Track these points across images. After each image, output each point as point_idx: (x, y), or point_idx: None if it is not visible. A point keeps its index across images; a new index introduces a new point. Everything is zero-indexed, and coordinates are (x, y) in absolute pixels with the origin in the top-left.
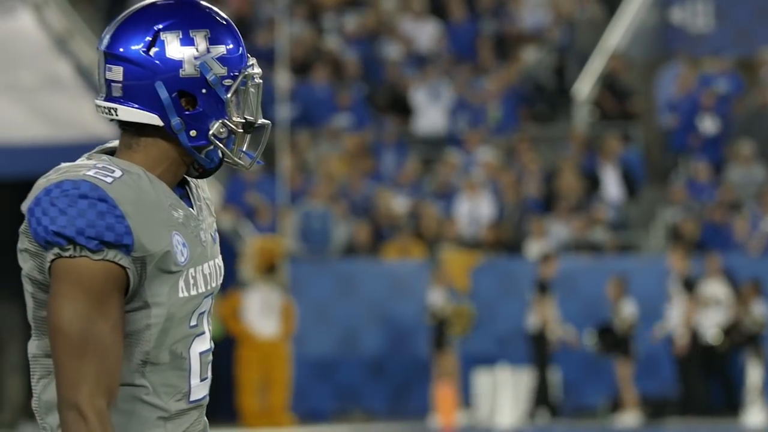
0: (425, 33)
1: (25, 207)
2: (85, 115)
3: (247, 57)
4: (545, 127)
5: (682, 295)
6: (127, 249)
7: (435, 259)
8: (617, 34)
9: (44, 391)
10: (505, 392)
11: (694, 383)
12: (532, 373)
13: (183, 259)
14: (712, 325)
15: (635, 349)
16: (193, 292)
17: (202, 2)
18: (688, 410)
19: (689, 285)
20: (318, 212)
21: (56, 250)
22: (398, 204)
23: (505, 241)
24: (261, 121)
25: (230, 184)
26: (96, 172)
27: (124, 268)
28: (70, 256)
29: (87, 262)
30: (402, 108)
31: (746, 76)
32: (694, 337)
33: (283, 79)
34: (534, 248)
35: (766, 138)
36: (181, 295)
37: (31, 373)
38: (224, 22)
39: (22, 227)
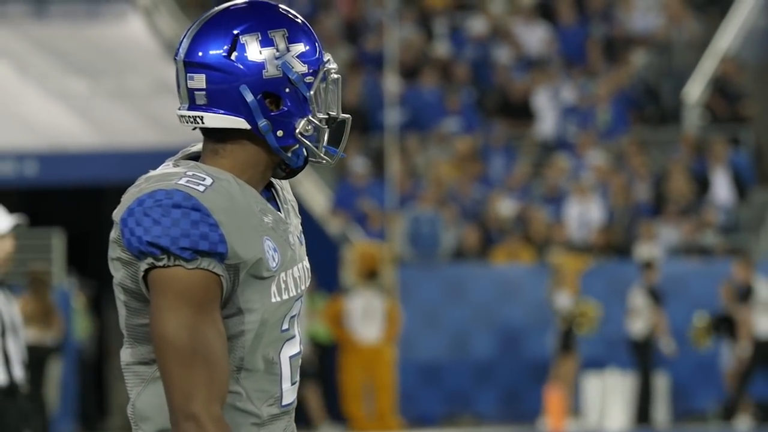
0: (535, 36)
1: (117, 216)
2: None
3: (323, 53)
4: (655, 130)
5: (743, 303)
6: (221, 257)
7: (545, 263)
8: (728, 38)
9: (138, 398)
10: (614, 397)
11: (745, 389)
12: (638, 379)
13: (274, 265)
14: None
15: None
16: (285, 297)
17: (272, 2)
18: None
19: (746, 294)
20: (427, 216)
21: (150, 260)
22: (506, 207)
23: (615, 244)
24: (342, 115)
25: (339, 189)
26: (187, 181)
27: (218, 275)
28: (164, 266)
29: (183, 271)
30: (511, 111)
31: None
32: (756, 340)
33: (392, 84)
34: (644, 252)
35: None
36: (273, 300)
37: (125, 381)
38: (299, 20)
39: (114, 236)
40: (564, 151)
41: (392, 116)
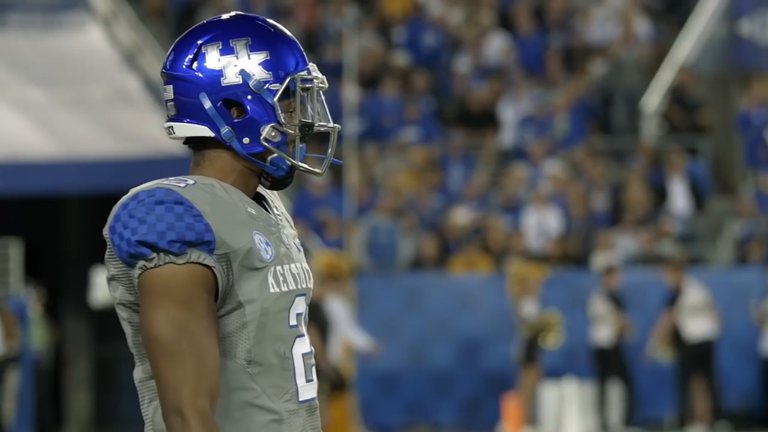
0: (493, 46)
1: (105, 230)
2: (153, 130)
3: (304, 62)
4: (613, 140)
5: (669, 307)
6: (209, 246)
7: (503, 272)
8: (686, 47)
9: (155, 413)
10: (571, 406)
11: (688, 395)
12: (617, 385)
13: (268, 256)
14: None
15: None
16: (284, 288)
17: (251, 15)
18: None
19: (673, 298)
20: (385, 226)
21: (141, 262)
22: (462, 216)
23: (573, 254)
24: (322, 124)
25: (298, 198)
26: (169, 182)
27: (210, 267)
28: (155, 266)
29: (172, 268)
30: (470, 121)
31: None
32: (681, 344)
33: (351, 93)
34: (601, 261)
35: None
36: (272, 290)
37: (140, 398)
38: (271, 30)
39: (106, 255)
40: (522, 160)
41: (351, 126)
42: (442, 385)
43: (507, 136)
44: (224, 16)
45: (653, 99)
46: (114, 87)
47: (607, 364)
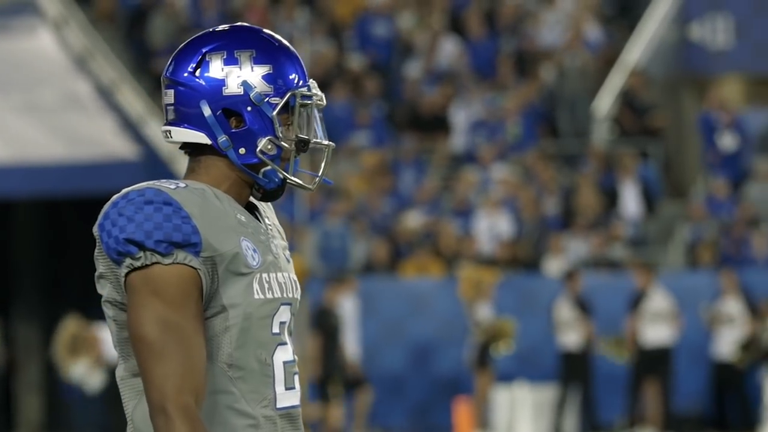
0: (445, 50)
1: (95, 227)
2: (103, 134)
3: (305, 78)
4: (564, 143)
5: (633, 310)
6: (195, 248)
7: (454, 276)
8: (637, 51)
9: (135, 410)
10: (523, 410)
11: (637, 399)
12: (580, 391)
13: (254, 263)
14: (728, 342)
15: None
16: (269, 296)
17: (256, 26)
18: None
19: (636, 301)
20: (336, 230)
21: (128, 261)
22: (413, 220)
23: (524, 258)
24: (317, 140)
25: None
26: (160, 184)
27: (195, 269)
28: (142, 265)
29: (159, 268)
30: (421, 125)
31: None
32: (641, 349)
33: None
34: (553, 265)
35: None
36: (256, 296)
37: (122, 397)
38: (275, 44)
39: (96, 252)
40: (473, 164)
41: None
42: (393, 389)
43: (458, 140)
44: (227, 27)
45: (604, 103)
46: (65, 91)
47: (572, 369)
